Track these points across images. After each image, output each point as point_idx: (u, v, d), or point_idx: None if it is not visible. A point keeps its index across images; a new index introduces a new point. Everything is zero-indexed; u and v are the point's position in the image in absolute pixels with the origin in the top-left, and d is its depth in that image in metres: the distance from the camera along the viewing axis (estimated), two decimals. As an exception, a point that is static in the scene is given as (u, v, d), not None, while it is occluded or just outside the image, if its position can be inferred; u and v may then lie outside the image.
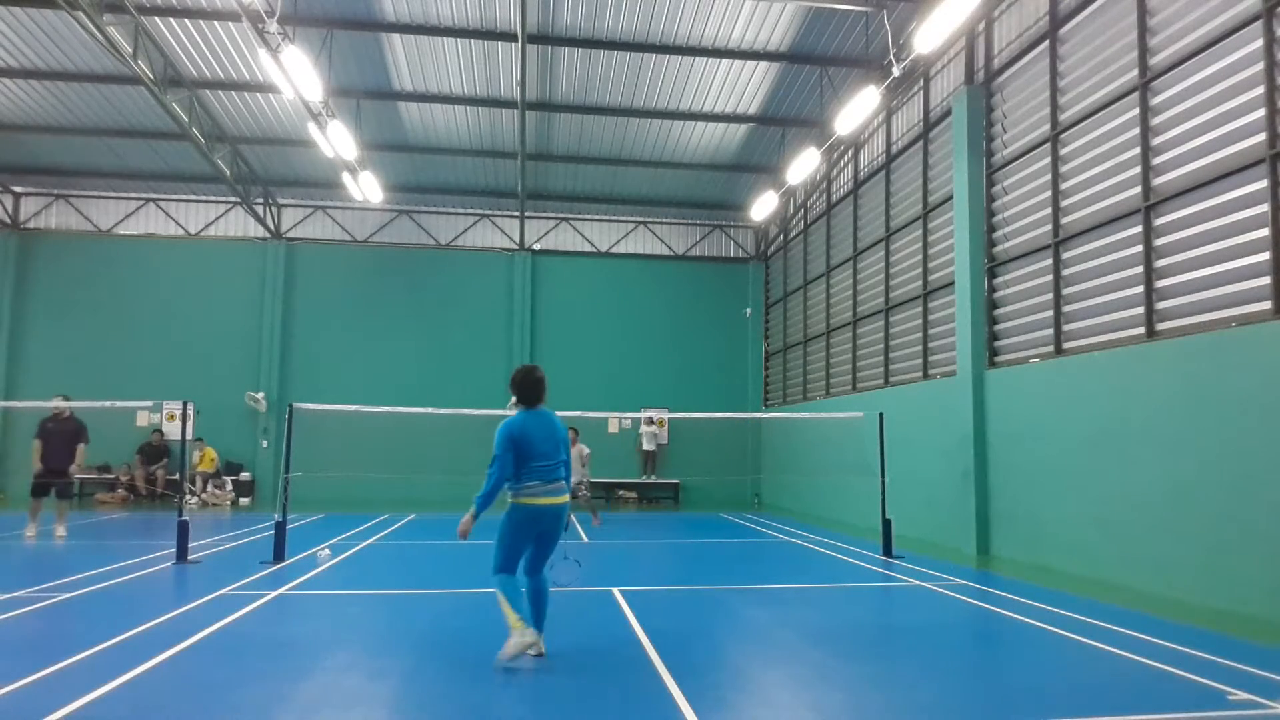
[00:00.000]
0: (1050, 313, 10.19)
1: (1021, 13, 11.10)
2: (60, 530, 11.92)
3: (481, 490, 5.26)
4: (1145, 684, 5.04)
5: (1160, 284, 8.51)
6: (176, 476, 14.29)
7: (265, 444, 19.59)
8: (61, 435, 11.84)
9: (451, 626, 6.55)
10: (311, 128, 13.75)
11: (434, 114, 15.98)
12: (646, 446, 20.50)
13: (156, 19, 12.80)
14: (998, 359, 11.32)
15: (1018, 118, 11.14)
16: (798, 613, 7.26)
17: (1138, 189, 8.80)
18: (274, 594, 7.68)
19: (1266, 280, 7.25)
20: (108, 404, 11.67)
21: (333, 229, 20.78)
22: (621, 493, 20.24)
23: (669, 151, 17.63)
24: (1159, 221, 8.57)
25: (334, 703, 4.58)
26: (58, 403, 12.09)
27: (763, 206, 17.85)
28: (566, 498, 5.57)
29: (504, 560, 5.44)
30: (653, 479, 20.43)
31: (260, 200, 19.67)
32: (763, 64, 14.11)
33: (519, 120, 15.51)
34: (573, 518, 15.97)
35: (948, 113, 12.70)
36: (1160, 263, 8.52)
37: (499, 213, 21.16)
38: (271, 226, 20.17)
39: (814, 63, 13.98)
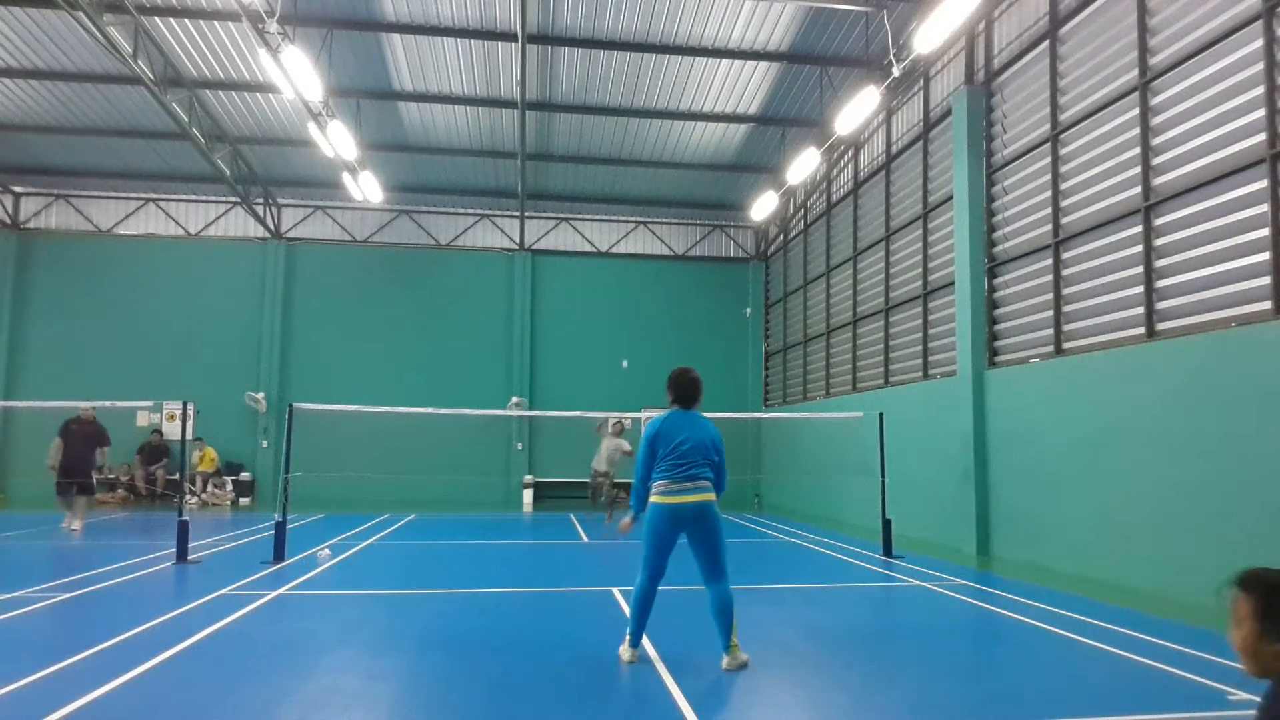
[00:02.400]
0: (1050, 313, 10.19)
1: (1021, 13, 11.10)
2: (77, 525, 12.47)
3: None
4: (1145, 684, 5.04)
5: (1160, 284, 8.51)
6: (176, 476, 14.33)
7: (265, 444, 19.59)
8: (83, 436, 12.49)
9: (451, 627, 6.54)
10: (311, 128, 13.75)
11: (434, 114, 15.97)
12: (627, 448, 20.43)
13: (156, 19, 12.79)
14: (998, 359, 11.32)
15: (1018, 118, 11.14)
16: (798, 613, 7.26)
17: (1138, 189, 8.80)
18: (274, 594, 7.68)
19: (1266, 280, 7.25)
20: (108, 404, 11.75)
21: (333, 229, 20.78)
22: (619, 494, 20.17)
23: (669, 151, 17.63)
24: (1159, 221, 8.57)
25: (334, 703, 4.58)
26: (83, 405, 12.68)
27: (763, 206, 17.84)
28: (706, 496, 5.32)
29: (644, 560, 5.47)
30: None
31: (260, 200, 19.67)
32: (763, 64, 14.11)
33: (519, 120, 15.49)
34: (609, 515, 15.61)
35: (948, 113, 12.70)
36: (1160, 263, 8.52)
37: (499, 213, 21.16)
38: (271, 226, 20.17)
39: (814, 63, 13.97)
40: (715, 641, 5.38)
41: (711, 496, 5.36)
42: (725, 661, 5.24)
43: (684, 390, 5.60)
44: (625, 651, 5.48)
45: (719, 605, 5.29)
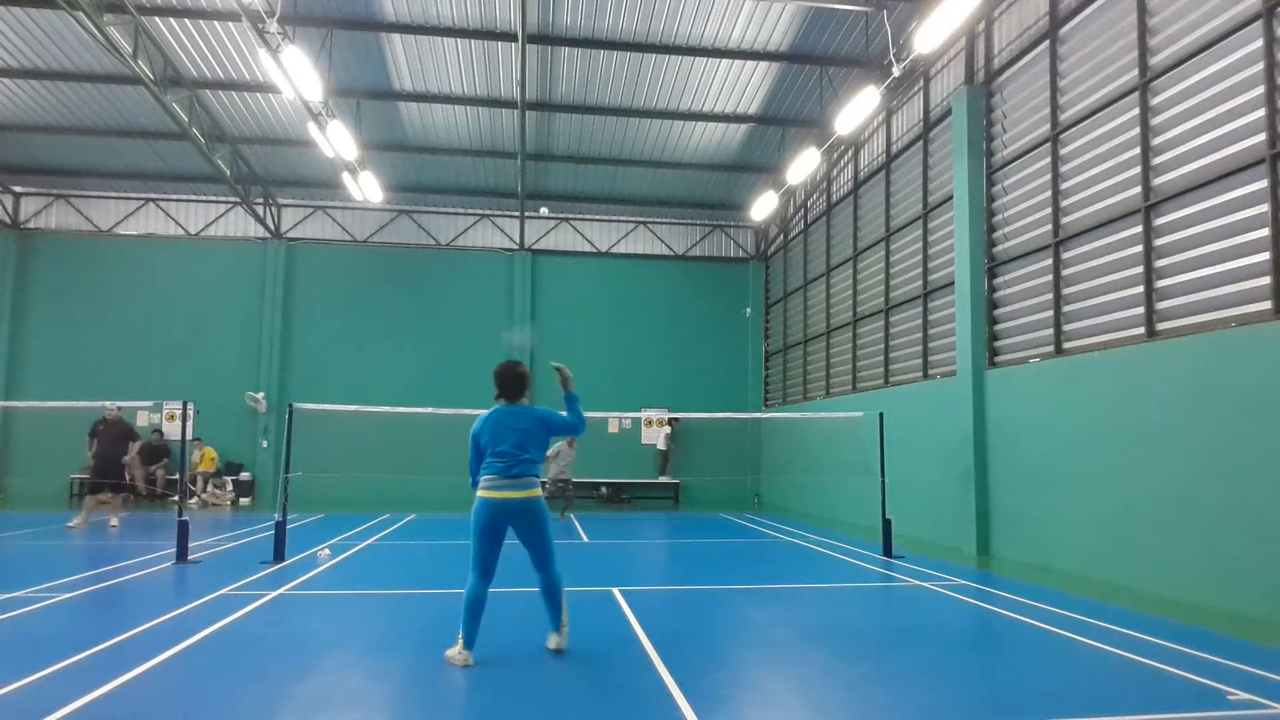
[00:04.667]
0: (1050, 313, 10.19)
1: (1021, 13, 11.10)
2: (115, 521, 13.13)
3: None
4: (1145, 684, 5.04)
5: (1160, 284, 8.51)
6: (176, 476, 14.36)
7: (265, 444, 19.59)
8: (110, 437, 12.95)
9: (452, 626, 6.51)
10: (311, 128, 13.75)
11: (434, 114, 15.97)
12: (660, 447, 20.56)
13: (156, 19, 12.80)
14: (998, 359, 11.32)
15: (1018, 118, 11.14)
16: (798, 613, 7.26)
17: (1138, 189, 8.80)
18: (274, 594, 7.68)
19: (1266, 280, 7.25)
20: (122, 404, 11.79)
21: (333, 229, 20.78)
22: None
23: (669, 151, 17.63)
24: (1159, 221, 8.57)
25: (334, 703, 4.58)
26: (108, 405, 13.11)
27: (763, 206, 17.85)
28: (531, 493, 5.40)
29: (472, 558, 5.37)
30: (664, 479, 20.44)
31: (260, 200, 19.67)
32: (763, 64, 14.11)
33: (519, 120, 15.51)
34: (571, 516, 16.06)
35: (948, 113, 12.70)
36: (1160, 263, 8.52)
37: (499, 213, 21.16)
38: (271, 226, 20.17)
39: (814, 63, 13.98)
40: (715, 641, 5.43)
41: (537, 492, 5.47)
42: (554, 640, 5.60)
43: (509, 385, 5.65)
44: (457, 655, 5.29)
45: (549, 590, 5.61)
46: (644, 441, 20.71)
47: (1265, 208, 7.28)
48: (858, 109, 12.47)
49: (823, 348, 17.71)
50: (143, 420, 19.07)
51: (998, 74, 11.59)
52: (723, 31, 13.16)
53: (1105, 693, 4.85)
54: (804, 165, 15.05)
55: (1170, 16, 8.52)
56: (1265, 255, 7.27)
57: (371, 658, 5.53)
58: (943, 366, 12.74)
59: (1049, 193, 10.32)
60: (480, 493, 5.39)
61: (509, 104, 15.31)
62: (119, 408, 12.97)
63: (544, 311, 20.96)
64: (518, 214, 20.88)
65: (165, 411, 18.94)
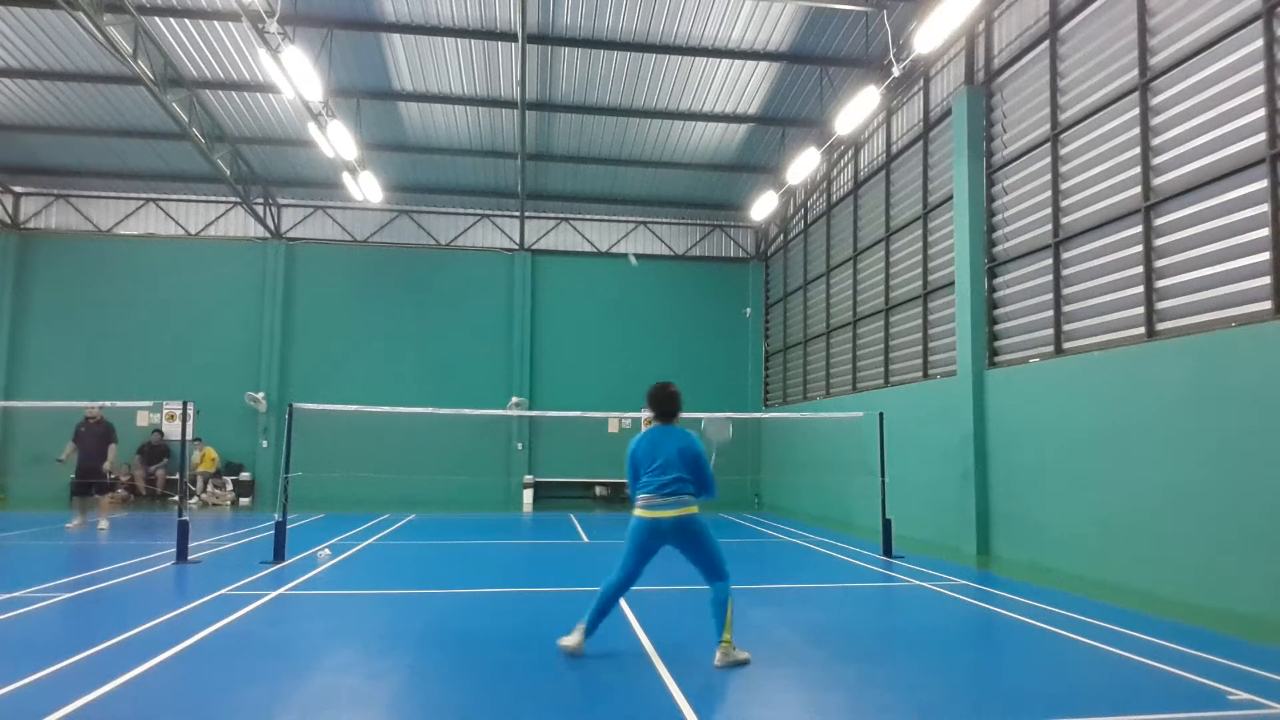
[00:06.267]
0: (1050, 313, 10.19)
1: (1021, 13, 11.10)
2: (103, 524, 13.02)
3: None
4: (1145, 684, 5.04)
5: (1160, 284, 8.51)
6: (176, 476, 14.36)
7: (265, 444, 19.58)
8: (93, 437, 12.88)
9: (452, 626, 6.55)
10: (311, 128, 13.74)
11: (434, 114, 15.97)
12: None
13: (156, 19, 12.79)
14: (998, 359, 11.32)
15: (1018, 118, 11.13)
16: (798, 613, 7.26)
17: (1138, 189, 8.80)
18: (274, 594, 7.68)
19: (1266, 280, 7.25)
20: (108, 404, 11.82)
21: (333, 229, 20.78)
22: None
23: (669, 151, 17.63)
24: (1159, 221, 8.57)
25: (334, 703, 4.58)
26: (89, 405, 13.01)
27: (763, 206, 17.85)
28: (685, 510, 5.48)
29: (622, 561, 5.67)
30: None
31: (260, 200, 19.67)
32: (763, 64, 14.11)
33: (519, 120, 15.50)
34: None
35: (948, 113, 12.70)
36: (1160, 263, 8.52)
37: (499, 213, 21.15)
38: (271, 226, 20.16)
39: (814, 63, 13.98)
40: (715, 641, 5.43)
41: (692, 509, 5.53)
42: (716, 657, 5.39)
43: (661, 405, 5.86)
44: (571, 640, 5.57)
45: (710, 602, 5.59)
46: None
47: (1265, 208, 7.28)
48: (858, 109, 12.47)
49: (823, 348, 17.71)
50: (143, 420, 19.06)
51: (998, 74, 11.59)
52: (723, 31, 13.16)
53: (1105, 693, 4.85)
54: (804, 165, 15.05)
55: (1170, 16, 8.51)
56: (1265, 255, 7.27)
57: (371, 658, 5.53)
58: (943, 366, 12.74)
59: (1049, 193, 10.32)
60: (636, 511, 5.58)
61: (509, 104, 15.31)
62: (100, 408, 12.87)
63: (544, 311, 20.96)
64: (518, 214, 20.88)
65: (165, 411, 18.92)
